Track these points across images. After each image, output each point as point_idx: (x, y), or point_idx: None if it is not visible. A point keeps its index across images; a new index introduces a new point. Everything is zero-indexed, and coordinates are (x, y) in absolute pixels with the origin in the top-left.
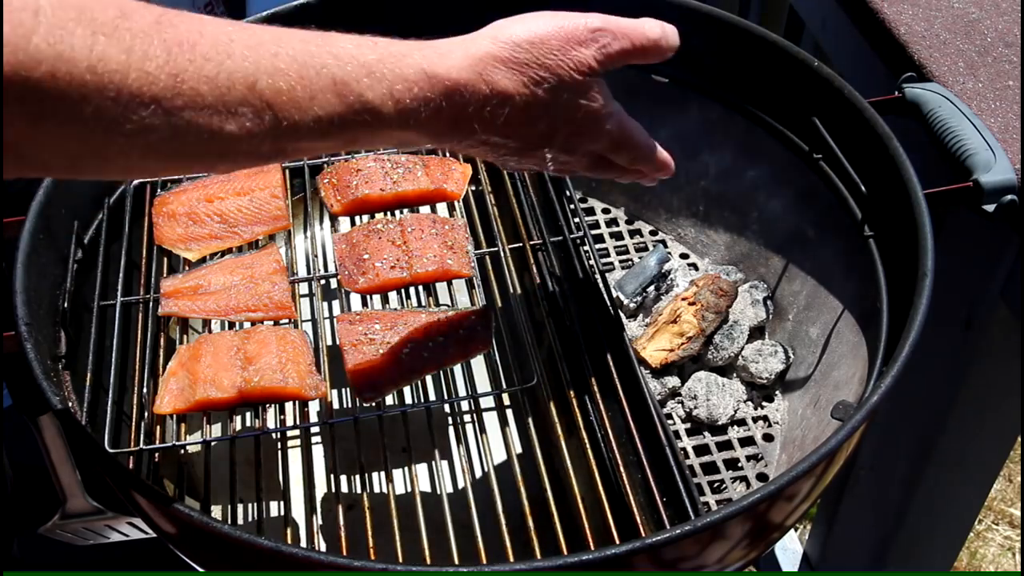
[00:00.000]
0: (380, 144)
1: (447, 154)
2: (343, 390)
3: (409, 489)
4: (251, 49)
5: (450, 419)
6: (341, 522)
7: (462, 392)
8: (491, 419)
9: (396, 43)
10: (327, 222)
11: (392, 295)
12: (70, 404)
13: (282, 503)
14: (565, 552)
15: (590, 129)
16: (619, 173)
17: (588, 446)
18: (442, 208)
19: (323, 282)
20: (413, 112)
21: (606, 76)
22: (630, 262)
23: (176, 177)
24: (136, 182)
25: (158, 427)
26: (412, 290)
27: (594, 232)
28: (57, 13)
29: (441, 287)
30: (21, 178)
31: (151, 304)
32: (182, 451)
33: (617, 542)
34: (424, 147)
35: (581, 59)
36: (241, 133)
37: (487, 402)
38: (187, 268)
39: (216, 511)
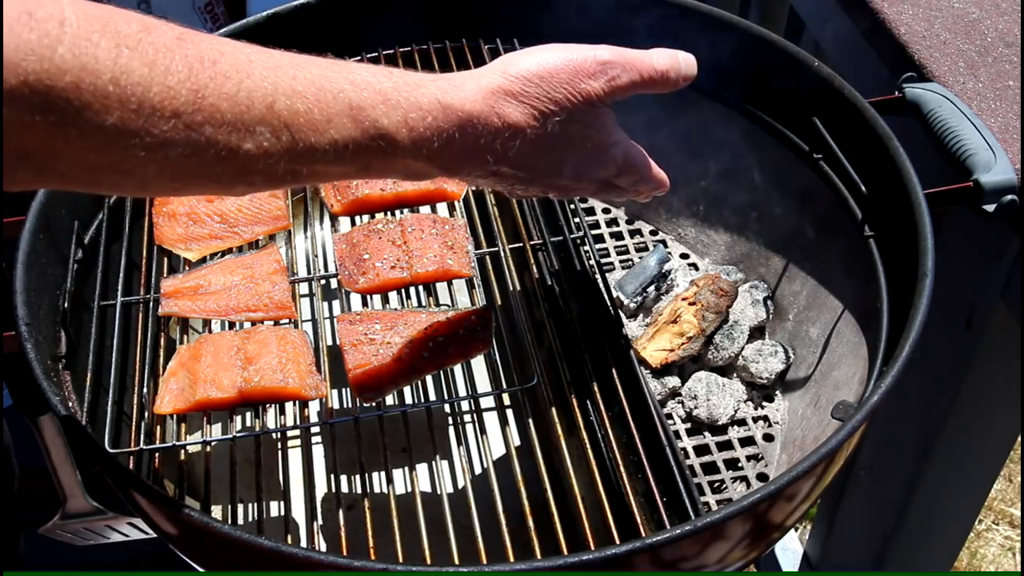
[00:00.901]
0: (392, 174)
1: None
2: (343, 390)
3: (409, 489)
4: (270, 70)
5: (450, 419)
6: (341, 522)
7: (462, 392)
8: (491, 419)
9: (410, 73)
10: (327, 222)
11: (392, 295)
12: (70, 404)
13: (282, 503)
14: (565, 552)
15: (598, 158)
16: (620, 193)
17: (588, 446)
18: (442, 208)
19: (323, 282)
20: (427, 141)
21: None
22: (630, 262)
23: None
24: None
25: (158, 427)
26: (412, 290)
27: (594, 232)
28: (83, 24)
29: (441, 287)
30: (38, 188)
31: (151, 304)
32: (182, 451)
33: (617, 542)
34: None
35: (589, 91)
36: (258, 152)
37: (487, 402)
38: (187, 268)
39: (216, 511)
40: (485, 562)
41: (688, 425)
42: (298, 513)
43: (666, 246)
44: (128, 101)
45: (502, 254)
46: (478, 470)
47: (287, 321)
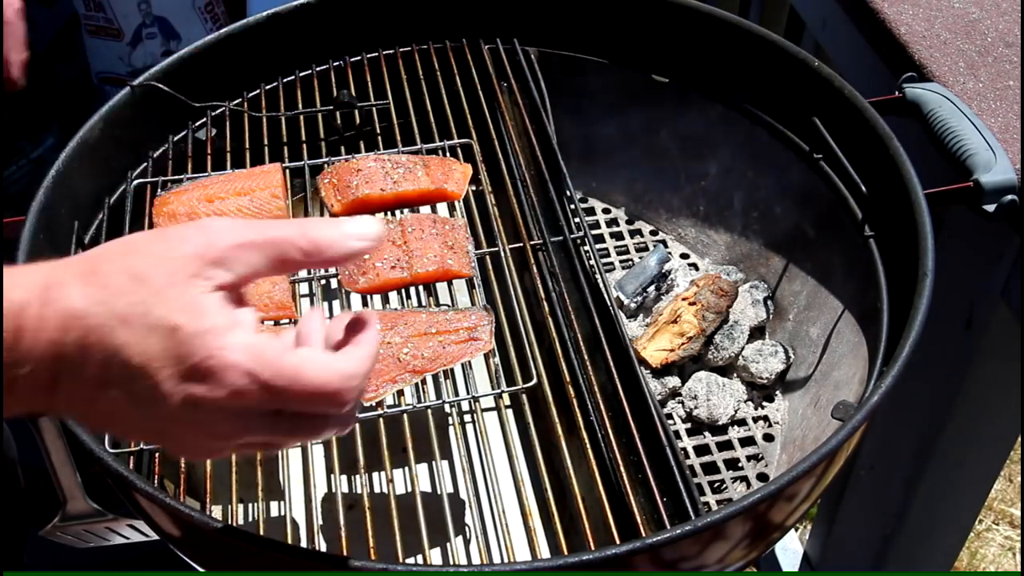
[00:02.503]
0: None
1: (447, 153)
2: None
3: (409, 489)
4: None
5: (450, 419)
6: (341, 522)
7: (462, 392)
8: (491, 419)
9: None
10: None
11: (392, 295)
12: None
13: (282, 503)
14: (565, 552)
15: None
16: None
17: (588, 446)
18: (442, 208)
19: (323, 282)
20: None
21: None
22: (630, 262)
23: (176, 177)
24: (137, 182)
25: None
26: (412, 290)
27: (594, 232)
28: None
29: (441, 287)
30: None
31: None
32: None
33: (617, 542)
34: (423, 149)
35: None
36: None
37: (487, 402)
38: None
39: (216, 511)
40: (485, 562)
41: (688, 425)
42: (298, 513)
43: (666, 246)
44: None
45: (502, 254)
46: (478, 470)
47: (287, 321)
